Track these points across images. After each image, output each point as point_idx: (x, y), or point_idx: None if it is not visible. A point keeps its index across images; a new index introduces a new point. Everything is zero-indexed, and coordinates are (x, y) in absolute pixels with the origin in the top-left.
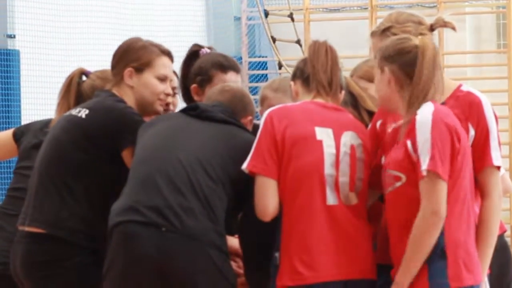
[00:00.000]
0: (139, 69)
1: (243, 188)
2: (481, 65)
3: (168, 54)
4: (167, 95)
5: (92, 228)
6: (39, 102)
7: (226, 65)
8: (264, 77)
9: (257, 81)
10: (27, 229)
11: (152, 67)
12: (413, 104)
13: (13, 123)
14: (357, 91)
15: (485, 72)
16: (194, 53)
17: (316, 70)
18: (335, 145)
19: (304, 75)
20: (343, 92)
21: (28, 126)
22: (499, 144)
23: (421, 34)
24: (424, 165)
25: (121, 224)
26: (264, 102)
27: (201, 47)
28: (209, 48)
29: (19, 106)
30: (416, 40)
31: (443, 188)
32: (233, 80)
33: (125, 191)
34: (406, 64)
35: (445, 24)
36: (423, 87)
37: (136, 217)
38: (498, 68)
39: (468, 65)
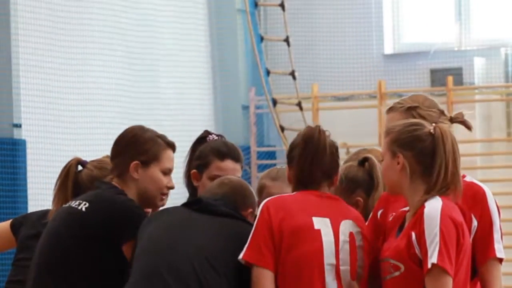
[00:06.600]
0: (146, 163)
1: (247, 279)
2: (491, 154)
3: (173, 146)
4: (169, 188)
5: None
6: (46, 193)
7: (223, 152)
8: (273, 167)
9: None
10: None
11: (158, 161)
12: (428, 194)
13: (19, 213)
14: (378, 177)
15: (496, 161)
16: (202, 139)
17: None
18: (333, 234)
19: None
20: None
21: (25, 216)
22: (501, 236)
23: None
24: (432, 259)
25: None
26: (263, 191)
27: (210, 133)
28: (218, 135)
29: (26, 196)
30: (429, 127)
31: (449, 282)
32: (231, 168)
33: (130, 285)
34: (422, 153)
35: (463, 122)
36: (444, 179)
37: None
38: (508, 156)
39: (478, 153)
